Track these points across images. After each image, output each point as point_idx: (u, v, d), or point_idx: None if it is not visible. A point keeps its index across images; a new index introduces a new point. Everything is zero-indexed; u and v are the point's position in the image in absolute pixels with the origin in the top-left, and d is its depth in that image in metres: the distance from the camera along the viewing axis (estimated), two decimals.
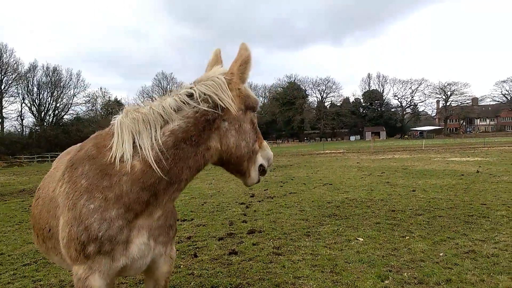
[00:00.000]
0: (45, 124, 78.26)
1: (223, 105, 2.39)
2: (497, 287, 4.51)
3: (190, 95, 2.40)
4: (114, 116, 2.54)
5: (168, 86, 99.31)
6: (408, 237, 6.73)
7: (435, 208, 9.11)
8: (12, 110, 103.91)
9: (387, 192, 11.88)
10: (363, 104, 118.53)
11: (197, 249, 6.54)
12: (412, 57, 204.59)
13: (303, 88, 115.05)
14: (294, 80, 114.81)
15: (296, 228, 7.68)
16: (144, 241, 2.43)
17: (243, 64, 2.52)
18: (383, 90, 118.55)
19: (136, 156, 2.33)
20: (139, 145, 2.32)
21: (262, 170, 2.71)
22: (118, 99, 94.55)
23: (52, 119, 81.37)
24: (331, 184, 14.27)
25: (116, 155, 2.31)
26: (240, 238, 7.12)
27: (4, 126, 76.28)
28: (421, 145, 48.12)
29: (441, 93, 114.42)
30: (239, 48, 2.53)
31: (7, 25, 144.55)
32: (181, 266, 5.73)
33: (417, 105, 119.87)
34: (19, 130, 78.38)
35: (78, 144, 3.06)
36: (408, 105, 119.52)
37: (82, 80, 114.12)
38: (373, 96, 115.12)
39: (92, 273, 2.32)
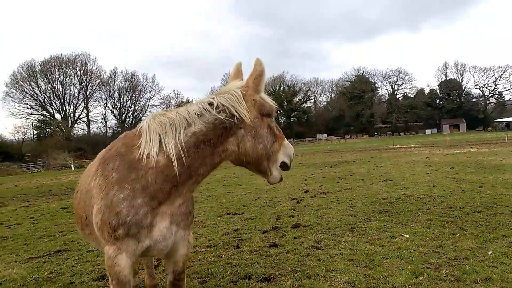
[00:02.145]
0: (125, 125, 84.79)
1: (239, 116, 2.75)
2: None
3: (211, 104, 2.77)
4: (142, 120, 3.02)
5: None
6: (458, 235, 6.41)
7: (499, 205, 8.47)
8: (96, 113, 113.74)
9: (450, 188, 11.23)
10: (439, 95, 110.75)
11: (241, 241, 6.86)
12: (494, 42, 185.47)
13: (372, 81, 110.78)
14: (362, 73, 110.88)
15: (342, 224, 7.67)
16: (166, 225, 2.78)
17: (257, 77, 2.84)
18: (462, 79, 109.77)
19: (161, 153, 2.69)
20: (164, 144, 2.69)
21: (284, 166, 2.98)
22: (190, 100, 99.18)
23: (132, 120, 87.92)
24: (391, 180, 13.80)
25: (144, 152, 2.69)
26: (283, 232, 7.30)
27: (90, 128, 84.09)
28: (505, 138, 43.97)
29: None
30: (254, 63, 2.86)
31: (89, 35, 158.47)
32: (223, 255, 6.08)
33: (502, 94, 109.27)
34: (103, 131, 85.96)
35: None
36: (492, 94, 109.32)
37: (156, 84, 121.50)
38: (450, 86, 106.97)
39: (120, 253, 2.71)
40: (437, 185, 12.01)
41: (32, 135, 78.84)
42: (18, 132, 77.31)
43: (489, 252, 5.45)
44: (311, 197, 11.18)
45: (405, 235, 6.55)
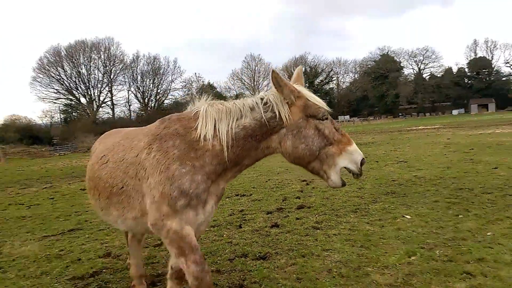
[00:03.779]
0: (148, 108, 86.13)
1: (279, 115, 2.94)
2: None
3: (262, 99, 3.03)
4: (196, 106, 3.21)
5: (257, 68, 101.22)
6: (461, 216, 6.35)
7: (510, 186, 8.28)
8: (120, 97, 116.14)
9: (464, 169, 11.01)
10: (468, 74, 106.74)
11: (244, 221, 7.02)
12: None
13: (398, 60, 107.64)
14: (387, 52, 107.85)
15: (346, 205, 7.70)
16: (212, 204, 3.10)
17: (301, 81, 3.19)
18: (492, 57, 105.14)
19: (216, 138, 2.98)
20: (218, 129, 2.97)
21: (352, 172, 2.96)
22: (211, 83, 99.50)
23: (154, 104, 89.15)
24: (405, 162, 13.62)
25: (201, 134, 2.98)
26: (287, 213, 7.42)
27: (115, 111, 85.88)
28: None
29: None
30: (296, 70, 3.28)
31: (113, 20, 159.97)
32: (224, 235, 6.26)
33: None
34: (127, 115, 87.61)
35: (116, 129, 4.29)
36: None
37: (178, 67, 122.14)
38: (480, 65, 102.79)
39: (185, 223, 2.89)
40: (452, 166, 11.79)
41: (59, 119, 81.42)
42: (46, 116, 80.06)
43: (489, 234, 5.40)
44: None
45: (407, 216, 6.55)
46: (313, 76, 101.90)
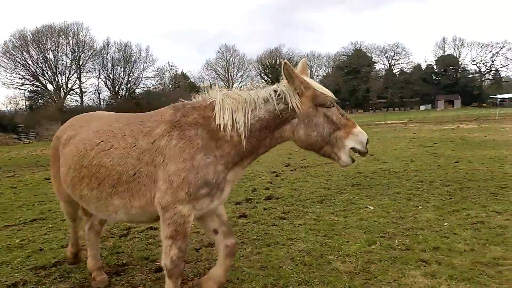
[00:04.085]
0: (119, 97, 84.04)
1: (291, 106, 3.13)
2: (484, 256, 4.42)
3: (275, 91, 3.18)
4: (210, 95, 3.33)
5: (231, 59, 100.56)
6: (420, 207, 6.63)
7: (469, 179, 8.70)
8: (89, 85, 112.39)
9: (427, 163, 11.45)
10: (436, 70, 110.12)
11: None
12: (493, 17, 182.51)
13: (369, 55, 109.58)
14: (360, 47, 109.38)
15: (313, 196, 7.88)
16: (229, 191, 3.34)
17: (302, 73, 3.27)
18: (459, 54, 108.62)
19: (234, 129, 3.12)
20: (235, 119, 3.11)
21: (358, 152, 3.22)
22: (185, 73, 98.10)
23: (125, 92, 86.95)
24: (372, 155, 13.97)
25: (220, 124, 3.11)
26: (255, 204, 7.51)
27: (84, 99, 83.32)
28: (495, 114, 44.19)
29: None
30: (300, 62, 3.39)
31: (82, 4, 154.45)
32: (192, 225, 6.26)
33: (498, 70, 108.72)
34: (97, 103, 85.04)
35: (88, 114, 4.13)
36: (488, 70, 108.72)
37: (150, 55, 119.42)
38: (447, 62, 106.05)
39: (193, 211, 3.08)
40: (416, 160, 12.24)
41: (24, 106, 78.20)
42: (10, 103, 76.71)
43: (445, 224, 5.68)
44: (291, 170, 11.38)
45: (370, 207, 6.77)
46: None
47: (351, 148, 3.18)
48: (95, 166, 3.30)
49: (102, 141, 3.37)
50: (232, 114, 3.12)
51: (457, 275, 3.99)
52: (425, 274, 4.05)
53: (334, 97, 3.21)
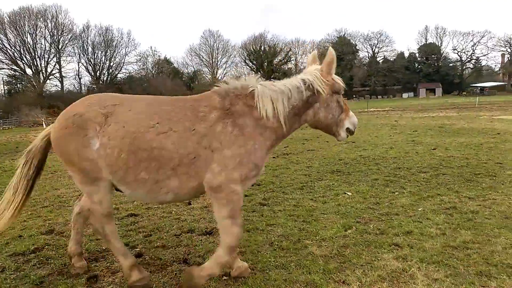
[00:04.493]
0: (100, 82, 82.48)
1: (318, 90, 3.61)
2: (455, 240, 4.60)
3: (303, 80, 3.65)
4: (248, 83, 3.69)
5: (215, 44, 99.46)
6: (397, 193, 6.83)
7: (445, 166, 8.95)
8: (69, 69, 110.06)
9: (406, 150, 11.71)
10: (418, 59, 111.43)
11: (194, 198, 7.08)
12: (475, 6, 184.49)
13: (353, 43, 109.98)
14: (344, 35, 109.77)
15: (294, 182, 8.00)
16: (263, 171, 3.87)
17: (330, 63, 3.68)
18: (441, 43, 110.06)
19: (275, 116, 3.55)
20: (275, 108, 3.53)
21: (349, 131, 3.89)
22: (168, 58, 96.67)
23: (107, 77, 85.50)
24: (354, 142, 14.21)
25: (262, 113, 3.51)
26: None
27: (64, 84, 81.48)
28: (475, 103, 45.15)
29: (506, 46, 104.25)
30: (328, 51, 3.69)
31: None
32: (172, 212, 6.31)
33: (479, 59, 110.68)
34: (78, 88, 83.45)
35: (115, 94, 3.93)
36: (469, 59, 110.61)
37: (132, 39, 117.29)
38: (429, 50, 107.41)
39: (243, 189, 3.57)
40: (395, 147, 12.50)
41: (2, 91, 76.09)
42: None
43: (420, 209, 5.87)
44: (273, 157, 11.48)
45: (348, 193, 6.93)
46: (271, 55, 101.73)
47: (346, 128, 3.83)
48: (156, 149, 3.34)
49: (158, 123, 3.40)
50: (272, 104, 3.52)
51: (428, 258, 4.16)
52: (397, 257, 4.21)
53: (344, 85, 3.78)
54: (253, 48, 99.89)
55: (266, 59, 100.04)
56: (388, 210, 5.87)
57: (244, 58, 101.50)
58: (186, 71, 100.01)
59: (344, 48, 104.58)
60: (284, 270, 4.04)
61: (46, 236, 5.38)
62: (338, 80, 3.73)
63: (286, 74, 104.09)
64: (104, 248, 4.83)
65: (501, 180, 7.45)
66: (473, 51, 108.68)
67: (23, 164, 4.02)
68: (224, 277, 3.93)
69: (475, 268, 3.92)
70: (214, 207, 3.53)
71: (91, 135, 3.42)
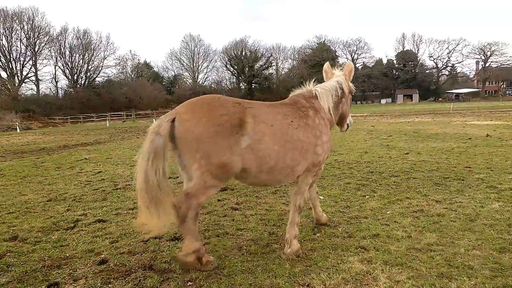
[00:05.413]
0: (78, 86, 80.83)
1: (345, 90, 5.01)
2: (419, 243, 4.69)
3: (338, 82, 4.95)
4: (308, 88, 4.90)
5: (196, 49, 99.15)
6: (367, 197, 6.92)
7: (416, 170, 9.14)
8: (46, 73, 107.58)
9: (379, 154, 11.90)
10: (396, 65, 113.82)
11: None
12: (450, 14, 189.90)
13: (333, 49, 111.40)
14: (324, 41, 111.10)
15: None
16: None
17: (350, 71, 5.15)
18: (418, 50, 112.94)
19: (330, 111, 4.81)
20: (329, 104, 4.80)
21: (347, 125, 5.40)
22: (148, 62, 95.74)
23: (85, 81, 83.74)
24: None
25: (324, 108, 4.74)
26: None
27: (40, 88, 79.48)
28: (450, 109, 46.35)
29: (480, 54, 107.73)
30: (348, 63, 5.25)
31: None
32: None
33: (454, 66, 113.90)
34: (54, 92, 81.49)
35: (224, 97, 4.16)
36: (444, 66, 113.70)
37: (111, 43, 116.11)
38: (406, 57, 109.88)
39: None
40: (369, 151, 12.68)
41: None
42: None
43: (388, 212, 5.96)
44: None
45: (321, 197, 6.97)
46: (253, 60, 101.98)
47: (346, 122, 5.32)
48: (296, 141, 4.20)
49: (292, 121, 4.26)
50: (327, 101, 4.74)
51: (392, 260, 4.22)
52: (362, 260, 4.26)
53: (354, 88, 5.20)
54: (234, 53, 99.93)
55: (247, 64, 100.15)
56: (357, 214, 5.94)
57: (225, 63, 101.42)
58: (167, 75, 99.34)
59: (324, 54, 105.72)
60: (250, 275, 4.02)
61: (9, 243, 5.20)
62: (351, 84, 5.17)
63: (268, 79, 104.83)
64: (68, 255, 4.71)
65: (468, 183, 7.65)
66: (449, 58, 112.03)
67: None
68: (189, 283, 3.89)
69: (437, 269, 4.00)
70: (305, 179, 4.54)
71: (243, 133, 3.86)
